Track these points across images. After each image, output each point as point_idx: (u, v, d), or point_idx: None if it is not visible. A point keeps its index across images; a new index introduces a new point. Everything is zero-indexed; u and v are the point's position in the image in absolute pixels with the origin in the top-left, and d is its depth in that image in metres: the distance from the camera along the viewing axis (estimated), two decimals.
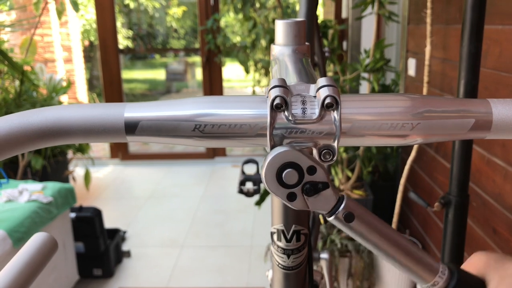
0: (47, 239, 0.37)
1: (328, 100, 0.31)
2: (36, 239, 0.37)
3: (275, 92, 0.31)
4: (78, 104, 0.33)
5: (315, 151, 0.33)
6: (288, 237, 0.44)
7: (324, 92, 0.31)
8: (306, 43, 0.41)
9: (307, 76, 0.36)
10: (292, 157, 0.31)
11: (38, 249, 0.36)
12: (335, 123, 0.31)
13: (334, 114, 0.32)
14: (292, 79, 0.36)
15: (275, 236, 0.45)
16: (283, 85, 0.32)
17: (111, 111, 0.32)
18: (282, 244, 0.45)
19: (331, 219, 0.32)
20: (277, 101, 0.31)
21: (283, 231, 0.44)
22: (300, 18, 0.72)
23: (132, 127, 0.32)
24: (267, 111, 0.32)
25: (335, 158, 0.32)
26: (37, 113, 0.32)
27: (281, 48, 0.40)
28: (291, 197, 0.31)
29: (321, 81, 0.32)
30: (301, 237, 0.44)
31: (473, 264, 0.35)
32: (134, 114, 0.32)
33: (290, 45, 0.40)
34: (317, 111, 0.31)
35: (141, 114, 0.32)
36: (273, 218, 0.45)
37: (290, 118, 0.32)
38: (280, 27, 0.40)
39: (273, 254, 0.46)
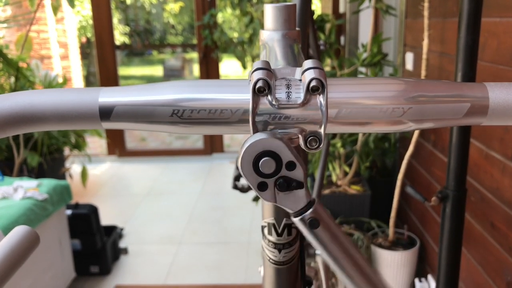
0: (29, 233, 0.36)
1: (313, 83, 0.29)
2: (17, 233, 0.35)
3: (258, 75, 0.29)
4: (52, 89, 0.32)
5: (301, 138, 0.31)
6: (279, 231, 0.43)
7: (309, 75, 0.29)
8: (297, 29, 0.40)
9: (295, 60, 0.35)
10: (275, 147, 0.29)
11: (19, 242, 0.35)
12: (321, 108, 0.30)
13: (320, 99, 0.30)
14: (279, 64, 0.34)
15: (265, 230, 0.43)
16: (266, 67, 0.30)
17: (85, 96, 0.30)
18: (273, 238, 0.43)
19: (295, 220, 0.31)
20: (259, 84, 0.29)
21: (273, 225, 0.43)
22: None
23: (107, 113, 0.30)
24: (249, 95, 0.30)
25: (321, 146, 0.31)
26: (7, 98, 0.30)
27: (270, 33, 0.39)
28: (261, 187, 0.30)
29: (307, 63, 0.30)
30: (292, 231, 0.43)
31: None
32: (109, 99, 0.31)
33: (279, 30, 0.38)
34: (302, 95, 0.30)
35: (117, 98, 0.31)
36: (264, 211, 0.43)
37: (273, 102, 0.30)
38: (270, 12, 0.38)
39: (264, 249, 0.45)
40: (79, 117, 0.30)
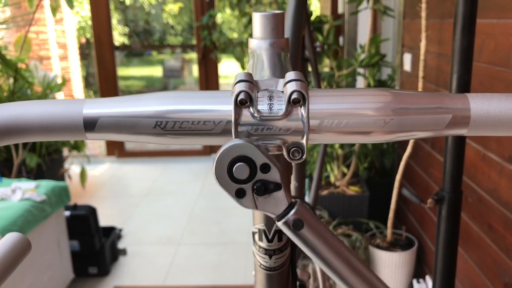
0: (20, 240, 0.36)
1: (294, 96, 0.29)
2: (8, 240, 0.36)
3: (240, 87, 0.30)
4: (36, 100, 0.32)
5: (284, 149, 0.32)
6: (270, 237, 0.43)
7: (291, 87, 0.30)
8: (286, 37, 0.40)
9: (281, 70, 0.35)
10: (246, 151, 0.29)
11: (10, 249, 0.35)
12: (303, 119, 0.30)
13: (302, 110, 0.30)
14: (265, 73, 0.35)
15: (256, 236, 0.44)
16: (248, 79, 0.30)
17: (70, 108, 0.31)
18: (263, 244, 0.43)
19: (279, 223, 0.30)
20: (241, 96, 0.29)
21: (264, 231, 0.43)
22: (289, 11, 0.71)
23: (91, 124, 0.31)
24: (231, 107, 0.30)
25: (304, 156, 0.31)
26: None
27: (258, 42, 0.39)
28: (239, 194, 0.29)
29: (289, 75, 0.31)
30: (283, 237, 0.43)
31: None
32: (93, 110, 0.31)
33: (267, 39, 0.39)
34: (284, 107, 0.30)
35: (101, 110, 0.31)
36: (254, 217, 0.43)
37: (255, 114, 0.30)
38: (258, 20, 0.39)
39: (255, 255, 0.45)
40: (64, 129, 0.31)
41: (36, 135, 0.31)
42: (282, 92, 0.31)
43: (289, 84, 0.30)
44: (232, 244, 2.71)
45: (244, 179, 0.29)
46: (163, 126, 0.31)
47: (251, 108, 0.30)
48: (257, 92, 0.31)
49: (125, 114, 0.31)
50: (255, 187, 0.29)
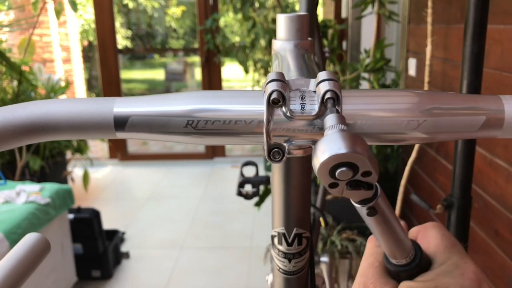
0: (40, 240, 0.36)
1: (328, 95, 0.29)
2: (28, 240, 0.36)
3: (272, 86, 0.30)
4: (67, 98, 0.32)
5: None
6: (289, 240, 0.43)
7: (324, 86, 0.29)
8: (309, 38, 0.40)
9: (308, 71, 0.35)
10: (355, 159, 0.26)
11: (30, 249, 0.35)
12: None
13: None
14: (292, 74, 0.34)
15: (275, 240, 0.43)
16: (281, 79, 0.30)
17: (100, 106, 0.31)
18: (283, 248, 0.43)
19: (355, 204, 0.29)
20: (274, 96, 0.29)
21: (284, 234, 0.43)
22: None
23: (121, 123, 0.31)
24: (263, 106, 0.30)
25: None
26: (23, 107, 0.30)
27: (282, 43, 0.39)
28: (332, 185, 0.28)
29: (322, 75, 0.30)
30: (302, 240, 0.43)
31: (428, 239, 0.34)
32: (124, 109, 0.31)
33: (292, 40, 0.38)
34: (316, 107, 0.30)
35: (131, 109, 0.31)
36: (274, 220, 0.43)
37: (288, 114, 0.30)
38: (282, 21, 0.38)
39: (273, 258, 0.44)
40: (94, 127, 0.31)
41: (65, 133, 0.31)
42: (314, 92, 0.30)
43: (322, 83, 0.30)
44: (234, 248, 2.70)
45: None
46: (194, 125, 0.30)
47: (283, 107, 0.30)
48: (289, 91, 0.30)
49: (156, 113, 0.31)
50: (349, 183, 0.27)
